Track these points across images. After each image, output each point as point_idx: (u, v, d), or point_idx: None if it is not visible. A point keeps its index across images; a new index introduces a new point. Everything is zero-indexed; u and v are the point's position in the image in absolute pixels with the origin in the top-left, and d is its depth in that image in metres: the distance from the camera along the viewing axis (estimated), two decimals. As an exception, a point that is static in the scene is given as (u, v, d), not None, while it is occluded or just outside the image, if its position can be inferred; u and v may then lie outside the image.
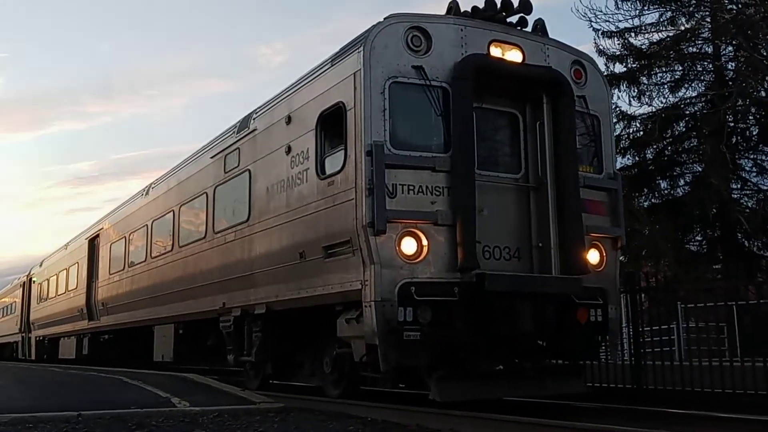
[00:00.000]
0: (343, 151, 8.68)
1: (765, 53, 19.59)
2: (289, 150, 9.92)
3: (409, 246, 8.27)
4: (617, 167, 9.97)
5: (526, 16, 9.45)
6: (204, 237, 12.62)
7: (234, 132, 11.91)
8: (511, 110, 9.42)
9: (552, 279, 8.74)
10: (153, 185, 16.09)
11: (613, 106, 18.25)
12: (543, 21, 9.62)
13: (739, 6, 20.38)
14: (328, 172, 9.05)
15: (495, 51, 9.04)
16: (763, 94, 20.93)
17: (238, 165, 11.54)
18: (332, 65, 9.18)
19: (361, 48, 8.47)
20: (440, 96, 8.67)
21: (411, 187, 8.39)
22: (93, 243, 20.72)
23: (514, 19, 9.47)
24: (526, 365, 8.56)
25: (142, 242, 16.07)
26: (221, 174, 12.16)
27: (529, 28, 9.54)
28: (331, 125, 9.09)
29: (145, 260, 15.82)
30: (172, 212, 14.37)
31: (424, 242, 8.33)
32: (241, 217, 11.27)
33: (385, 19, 8.65)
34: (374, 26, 8.59)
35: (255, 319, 11.00)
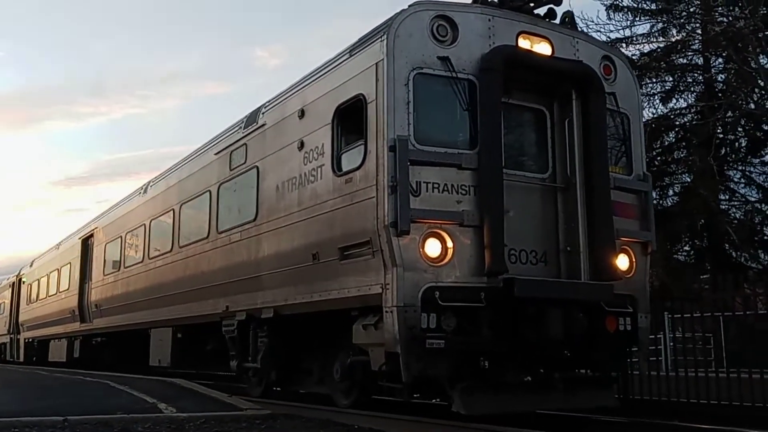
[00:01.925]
0: (362, 147, 8.17)
1: (754, 65, 19.69)
2: (302, 145, 9.39)
3: (433, 248, 7.76)
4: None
5: (555, 8, 8.97)
6: (207, 237, 12.06)
7: (241, 127, 11.37)
8: (537, 106, 8.93)
9: (583, 285, 8.24)
10: (152, 183, 15.52)
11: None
12: (572, 13, 9.18)
13: (730, 19, 20.54)
14: (345, 168, 8.53)
15: (523, 43, 8.55)
16: (752, 106, 21.07)
17: (245, 162, 11.01)
18: (351, 56, 8.66)
19: (384, 36, 7.96)
20: (466, 89, 8.17)
21: (436, 186, 7.88)
22: (86, 243, 20.10)
23: (542, 10, 8.99)
24: (556, 376, 8.05)
25: (140, 242, 15.49)
26: (226, 171, 11.62)
27: (557, 20, 9.05)
28: (349, 119, 8.58)
29: (142, 261, 15.24)
30: (172, 211, 13.80)
31: (449, 244, 7.82)
32: (248, 216, 10.73)
33: (409, 6, 8.13)
34: (398, 14, 8.08)
35: (261, 324, 10.47)
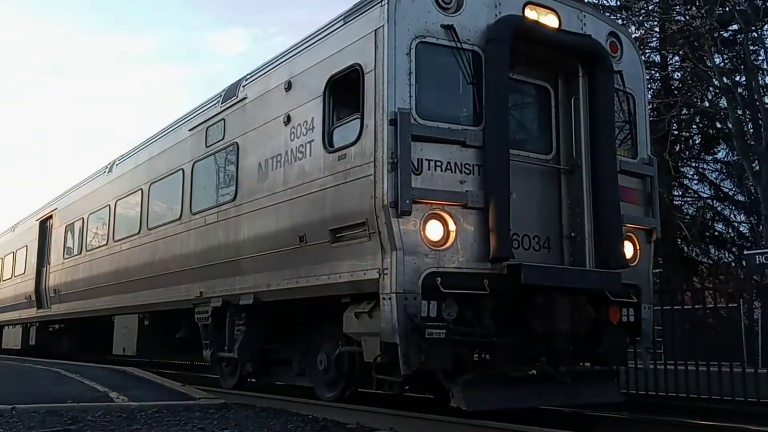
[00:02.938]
0: (358, 121, 7.56)
1: (709, 64, 20.00)
2: (288, 120, 8.74)
3: (435, 230, 7.20)
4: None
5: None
6: (179, 218, 11.34)
7: (218, 101, 10.66)
8: (541, 83, 8.40)
9: (591, 273, 7.74)
10: (117, 161, 14.67)
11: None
12: (578, -16, 8.64)
13: (687, 18, 20.85)
14: (338, 144, 7.91)
15: (530, 14, 7.99)
16: (706, 104, 21.51)
17: (223, 138, 10.31)
18: (346, 23, 8.03)
19: (385, 1, 7.35)
20: (471, 61, 7.61)
21: (438, 164, 7.31)
22: (44, 225, 19.13)
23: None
24: (561, 370, 7.55)
25: (104, 224, 14.65)
26: (201, 148, 10.90)
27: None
28: (343, 91, 7.96)
29: (106, 244, 14.41)
30: (140, 191, 13.01)
31: (452, 227, 7.27)
32: (227, 196, 10.05)
33: (412, -31, 7.54)
34: (399, -23, 7.47)
35: (239, 311, 9.82)
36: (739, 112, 24.78)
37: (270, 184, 8.98)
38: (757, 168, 23.73)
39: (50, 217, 18.73)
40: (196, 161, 11.03)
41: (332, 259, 7.87)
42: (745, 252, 21.81)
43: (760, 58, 26.30)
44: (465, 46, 7.55)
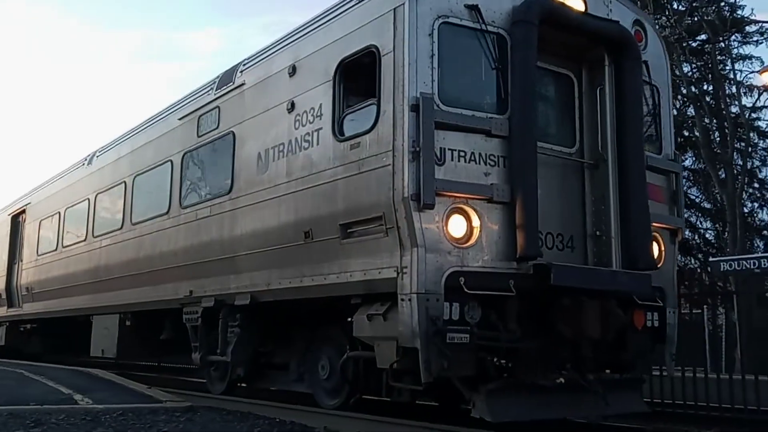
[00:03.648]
0: (374, 107, 6.98)
1: (678, 73, 20.30)
2: (292, 107, 8.13)
3: (458, 226, 6.65)
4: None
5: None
6: (167, 212, 10.65)
7: (212, 88, 10.01)
8: (564, 71, 7.89)
9: (621, 274, 7.24)
10: (98, 153, 13.89)
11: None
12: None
13: (657, 27, 20.57)
14: (350, 132, 7.31)
15: (557, -4, 7.48)
16: (674, 112, 21.22)
17: (218, 127, 9.66)
18: (360, 1, 7.45)
19: (406, -23, 6.78)
20: (495, 44, 7.07)
21: (462, 154, 6.77)
22: (17, 220, 18.23)
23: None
24: (590, 378, 7.03)
25: (82, 219, 13.83)
26: (193, 138, 10.23)
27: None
28: (357, 75, 7.39)
29: (85, 240, 13.63)
30: (123, 184, 12.28)
31: (475, 222, 6.72)
32: (221, 188, 9.40)
33: (434, -57, 6.97)
34: (421, -48, 6.89)
35: (233, 312, 9.18)
36: (707, 120, 25.09)
37: (271, 175, 8.36)
38: (723, 175, 23.83)
39: (23, 211, 17.86)
40: (187, 152, 10.36)
41: (342, 257, 7.28)
42: (711, 259, 21.79)
43: (727, 67, 26.64)
44: (490, 28, 7.02)
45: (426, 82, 6.65)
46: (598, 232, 7.59)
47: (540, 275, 6.72)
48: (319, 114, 7.71)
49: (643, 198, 7.56)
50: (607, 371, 7.83)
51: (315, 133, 7.72)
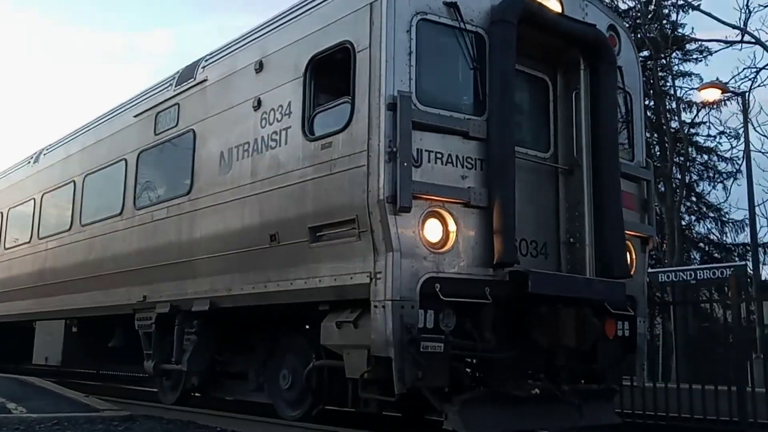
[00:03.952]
0: (348, 105, 6.69)
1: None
2: (258, 104, 7.79)
3: (434, 230, 6.40)
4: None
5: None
6: (120, 214, 10.17)
7: (171, 85, 9.59)
8: (539, 74, 7.73)
9: (597, 282, 7.08)
10: (45, 151, 13.28)
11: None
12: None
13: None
14: (321, 131, 7.02)
15: (534, -3, 7.31)
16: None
17: (177, 124, 9.25)
18: (333, -5, 7.17)
19: (384, -29, 6.52)
20: (474, 44, 6.86)
21: (438, 156, 6.53)
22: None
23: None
24: (565, 389, 6.84)
25: (27, 220, 13.18)
26: (149, 136, 9.79)
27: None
28: (329, 72, 7.12)
29: (29, 241, 12.99)
30: (72, 183, 11.72)
31: (452, 227, 6.48)
32: (179, 189, 8.99)
33: (412, -62, 6.73)
34: (399, -54, 6.64)
35: (189, 318, 8.78)
36: (647, 134, 25.51)
37: (234, 175, 8.00)
38: (663, 189, 24.21)
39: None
40: (143, 150, 9.92)
41: (311, 261, 6.97)
42: (649, 270, 22.13)
43: (668, 84, 27.23)
44: (468, 27, 6.81)
45: (403, 80, 6.40)
46: (571, 239, 7.44)
47: (516, 282, 6.52)
48: (287, 112, 7.39)
49: (617, 205, 7.44)
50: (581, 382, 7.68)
51: (283, 132, 7.40)
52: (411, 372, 6.08)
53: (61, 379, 12.37)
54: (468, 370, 6.43)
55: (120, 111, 10.78)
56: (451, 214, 6.47)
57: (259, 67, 7.90)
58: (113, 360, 11.23)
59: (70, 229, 11.56)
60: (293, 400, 8.00)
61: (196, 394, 9.90)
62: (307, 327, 7.72)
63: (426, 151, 6.42)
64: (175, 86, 9.43)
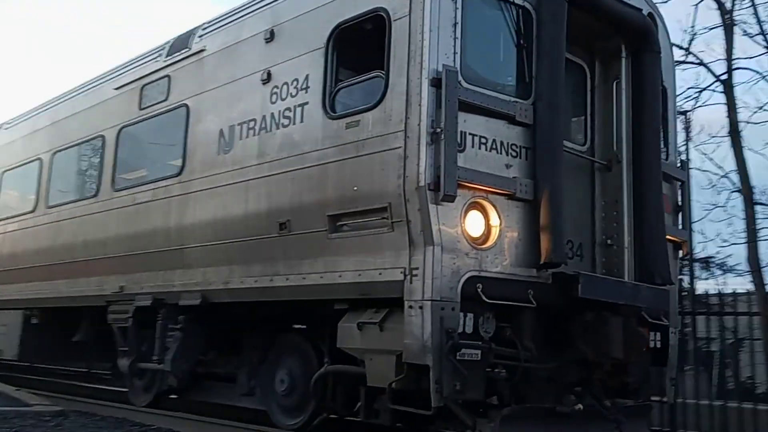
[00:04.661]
0: (381, 80, 5.94)
1: None
2: (268, 78, 6.99)
3: (476, 224, 5.71)
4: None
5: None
6: (95, 195, 9.23)
7: (161, 55, 8.70)
8: (577, 60, 7.08)
9: (644, 289, 6.46)
10: (5, 125, 12.18)
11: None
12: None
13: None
14: (345, 109, 6.26)
15: (583, -27, 6.66)
16: None
17: (167, 98, 8.36)
18: (364, -43, 6.40)
19: (429, -71, 5.78)
20: (521, 19, 6.20)
21: (483, 141, 5.83)
22: None
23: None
24: (607, 404, 6.20)
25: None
26: (133, 111, 8.87)
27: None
28: (356, 43, 6.38)
29: (-18, 223, 11.89)
30: (38, 161, 10.69)
31: (494, 221, 5.80)
32: (168, 169, 8.12)
33: None
34: None
35: (175, 313, 7.92)
36: None
37: (237, 156, 7.18)
38: None
39: None
40: (125, 126, 8.99)
41: (329, 254, 6.20)
42: None
43: None
44: (516, 0, 6.13)
45: (447, 54, 5.68)
46: (608, 241, 6.81)
47: (561, 285, 5.87)
48: (304, 87, 6.61)
49: (659, 205, 6.85)
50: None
51: (298, 109, 6.61)
52: (450, 383, 5.36)
53: (14, 374, 11.34)
54: (510, 381, 5.71)
55: (98, 83, 9.82)
56: (494, 206, 5.79)
57: (270, 36, 7.09)
58: (78, 356, 10.24)
59: (34, 210, 10.54)
60: (292, 407, 7.23)
61: (173, 396, 9.03)
62: (314, 326, 6.97)
63: (470, 134, 5.72)
64: (166, 57, 8.55)
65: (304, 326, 7.29)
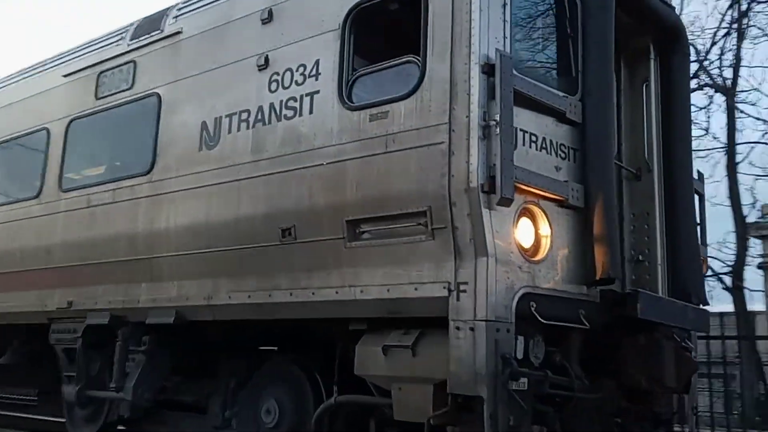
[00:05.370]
0: (416, 66, 5.16)
1: None
2: (265, 63, 6.09)
3: (527, 233, 5.00)
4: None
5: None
6: (37, 196, 8.01)
7: (123, 39, 7.63)
8: (604, 60, 6.50)
9: (691, 310, 5.87)
10: None
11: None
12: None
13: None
14: (367, 98, 5.45)
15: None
16: None
17: (132, 86, 7.31)
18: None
19: None
20: (565, 6, 5.56)
21: (533, 139, 5.13)
22: None
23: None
24: (656, 436, 5.59)
25: None
26: (87, 101, 7.76)
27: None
28: (380, 24, 5.58)
29: None
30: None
31: (544, 230, 5.10)
32: (133, 167, 7.07)
33: None
34: None
35: (138, 332, 6.85)
36: None
37: (225, 152, 6.23)
38: None
39: None
40: (76, 119, 7.85)
41: (346, 265, 5.34)
42: None
43: None
44: (563, -14, 5.50)
45: (498, 38, 4.96)
46: (640, 256, 6.21)
47: (615, 304, 5.21)
48: (313, 73, 5.75)
49: (692, 218, 6.35)
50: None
51: (306, 99, 5.74)
52: (504, 416, 4.60)
53: None
54: (559, 413, 4.99)
55: (42, 69, 8.62)
56: (545, 213, 5.08)
57: (268, 16, 6.20)
58: (9, 381, 8.92)
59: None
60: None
61: (121, 428, 7.91)
62: (310, 348, 6.10)
63: (521, 130, 5.01)
64: (130, 40, 7.50)
65: (299, 347, 6.38)
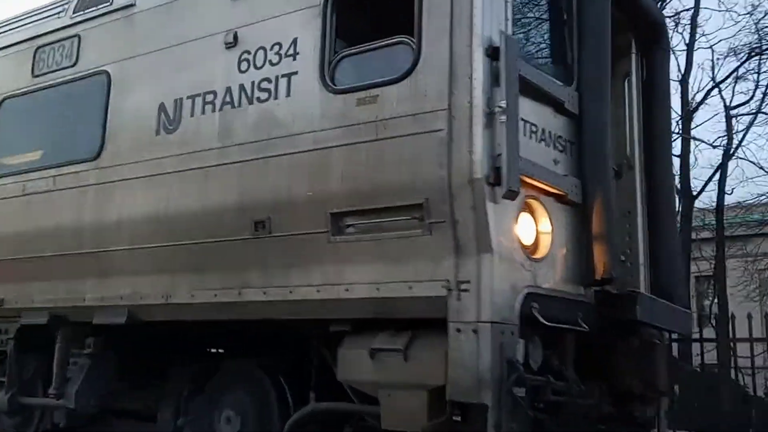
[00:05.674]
0: (409, 47, 4.78)
1: None
2: (234, 41, 5.59)
3: (528, 229, 4.70)
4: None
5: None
6: (-39, 183, 7.26)
7: (65, 11, 6.97)
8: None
9: (679, 313, 5.70)
10: None
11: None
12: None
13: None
14: (353, 81, 5.04)
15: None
16: None
17: (75, 64, 6.67)
18: None
19: None
20: None
21: (533, 129, 4.84)
22: None
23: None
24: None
25: None
26: (23, 79, 7.05)
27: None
28: (363, 1, 5.18)
29: None
30: None
31: (544, 226, 4.82)
32: (78, 151, 6.43)
33: None
34: None
35: (81, 334, 6.26)
36: None
37: (187, 136, 5.70)
38: None
39: None
40: (9, 97, 7.14)
41: (329, 261, 4.91)
42: None
43: None
44: (559, -31, 5.24)
45: (500, 21, 4.65)
46: (622, 257, 6.01)
47: (612, 306, 4.98)
48: (290, 53, 5.29)
49: (672, 217, 6.20)
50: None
51: (283, 80, 5.28)
52: (507, 425, 4.28)
53: None
54: (557, 420, 4.71)
55: (-33, 43, 7.83)
56: (545, 208, 4.80)
57: (238, -10, 5.71)
58: None
59: None
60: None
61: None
62: (277, 351, 5.67)
63: (522, 120, 4.70)
64: (74, 13, 6.84)
65: (261, 348, 5.91)
